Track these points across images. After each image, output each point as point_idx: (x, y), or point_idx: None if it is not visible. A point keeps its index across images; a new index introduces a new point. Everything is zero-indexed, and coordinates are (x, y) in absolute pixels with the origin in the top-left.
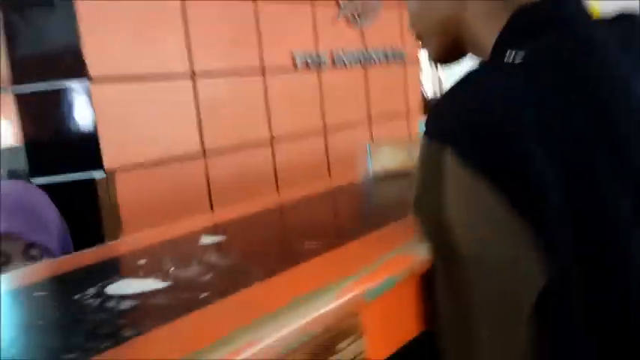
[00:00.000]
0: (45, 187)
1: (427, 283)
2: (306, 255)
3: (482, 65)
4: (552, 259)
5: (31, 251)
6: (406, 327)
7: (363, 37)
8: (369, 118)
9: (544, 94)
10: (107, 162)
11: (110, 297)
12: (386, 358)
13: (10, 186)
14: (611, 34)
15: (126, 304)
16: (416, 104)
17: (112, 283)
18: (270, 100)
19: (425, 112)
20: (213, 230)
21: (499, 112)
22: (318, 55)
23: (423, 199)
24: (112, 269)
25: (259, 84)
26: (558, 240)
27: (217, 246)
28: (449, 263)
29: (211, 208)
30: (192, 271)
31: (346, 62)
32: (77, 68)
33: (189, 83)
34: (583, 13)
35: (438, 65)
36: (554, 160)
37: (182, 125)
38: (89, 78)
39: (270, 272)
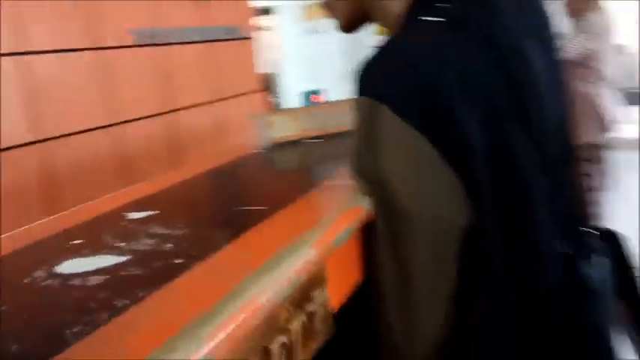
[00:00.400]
0: None
1: (368, 232)
2: (256, 218)
3: (406, 30)
4: (476, 206)
5: None
6: (354, 274)
7: (202, 13)
8: (213, 94)
9: (462, 52)
10: None
11: (69, 276)
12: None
13: None
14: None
15: (95, 280)
16: (257, 80)
17: (57, 264)
18: (110, 78)
19: (265, 89)
20: (134, 207)
21: (429, 70)
22: (156, 31)
23: (361, 156)
24: (44, 252)
25: (97, 62)
26: (481, 188)
27: (152, 219)
28: (388, 212)
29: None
30: (145, 243)
31: (185, 39)
32: None
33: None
34: None
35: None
36: (477, 118)
37: (12, 109)
38: None
39: (232, 236)
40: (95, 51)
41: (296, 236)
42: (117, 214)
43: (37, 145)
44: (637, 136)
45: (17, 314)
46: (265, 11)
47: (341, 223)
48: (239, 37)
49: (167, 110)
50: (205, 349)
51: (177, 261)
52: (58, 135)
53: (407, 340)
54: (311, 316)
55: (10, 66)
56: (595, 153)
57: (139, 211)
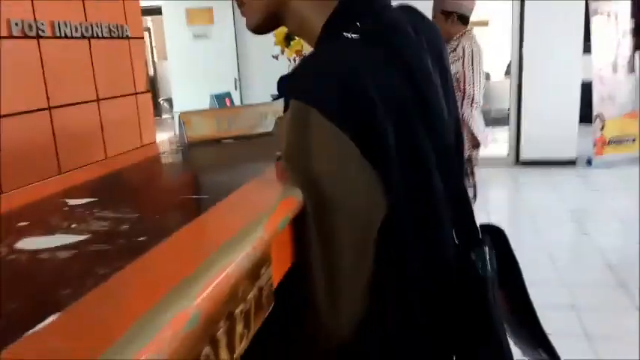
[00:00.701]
0: None
1: (299, 222)
2: (201, 205)
3: (327, 43)
4: (390, 196)
5: None
6: (288, 257)
7: (84, 8)
8: (96, 93)
9: (377, 64)
10: None
11: (35, 251)
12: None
13: None
14: (407, 20)
15: (64, 254)
16: (142, 81)
17: (14, 242)
18: None
19: (150, 90)
20: (66, 195)
21: (352, 79)
22: (36, 23)
23: (293, 154)
24: None
25: None
26: (393, 180)
27: (94, 205)
28: (316, 203)
29: None
30: (99, 225)
31: (68, 34)
32: None
33: None
34: (388, 4)
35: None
36: (391, 120)
37: None
38: None
39: (185, 219)
40: None
41: (249, 219)
42: (54, 201)
43: None
44: (504, 154)
45: None
46: (150, 12)
47: (281, 210)
48: (126, 36)
49: (48, 106)
50: (193, 305)
51: (140, 239)
52: None
53: (332, 317)
54: (260, 290)
55: None
56: (467, 167)
57: (76, 198)
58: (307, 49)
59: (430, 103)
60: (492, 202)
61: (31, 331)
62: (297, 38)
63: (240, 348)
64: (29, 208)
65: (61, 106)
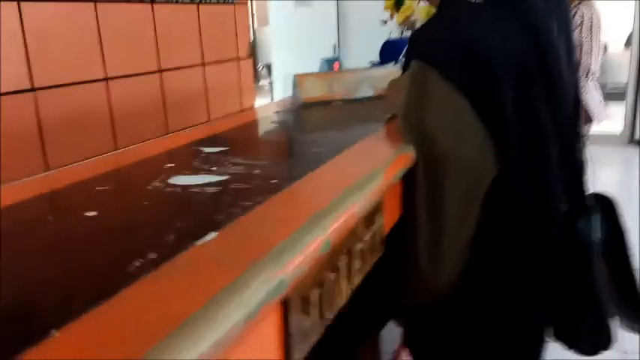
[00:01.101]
0: None
1: (407, 177)
2: (321, 158)
3: (450, 6)
4: (502, 157)
5: None
6: (395, 210)
7: None
8: (202, 58)
9: (502, 30)
10: None
11: (186, 186)
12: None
13: None
14: None
15: (211, 189)
16: (245, 47)
17: (168, 179)
18: (102, 33)
19: (252, 55)
20: (201, 145)
21: (473, 41)
22: None
23: (409, 111)
24: (147, 171)
25: (91, 14)
26: (507, 144)
27: (227, 152)
28: (429, 158)
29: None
30: (235, 168)
31: None
32: None
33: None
34: None
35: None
36: (511, 83)
37: (9, 57)
38: None
39: (311, 167)
40: (89, 3)
41: (367, 169)
42: (191, 149)
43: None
44: (617, 132)
45: (159, 209)
46: None
47: (396, 163)
48: (232, 1)
49: (156, 70)
50: (326, 235)
51: (272, 181)
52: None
53: (433, 268)
54: (374, 234)
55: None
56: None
57: (209, 147)
58: (417, 14)
59: (552, 70)
60: (601, 183)
61: (199, 241)
62: (407, 3)
63: (356, 281)
64: (170, 153)
65: (170, 70)
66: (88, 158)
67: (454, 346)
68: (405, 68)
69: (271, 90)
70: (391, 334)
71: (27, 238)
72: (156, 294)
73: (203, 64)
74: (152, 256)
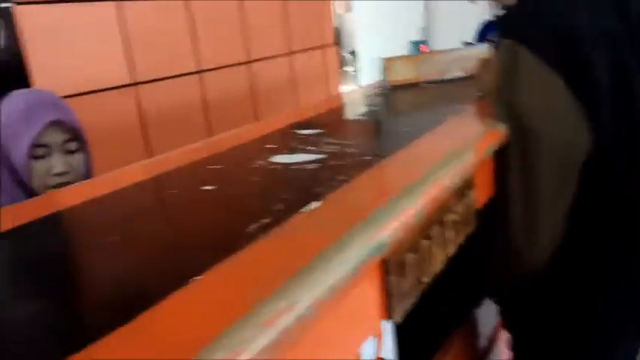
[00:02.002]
0: None
1: (500, 154)
2: (412, 135)
3: None
4: (597, 132)
5: (68, 145)
6: (488, 187)
7: None
8: (289, 47)
9: (593, 6)
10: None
11: (287, 164)
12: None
13: (33, 90)
14: None
15: (311, 166)
16: (330, 34)
17: (269, 158)
18: (195, 27)
19: (335, 43)
20: (296, 127)
21: (563, 16)
22: None
23: (501, 89)
24: (249, 152)
25: (184, 10)
26: (602, 118)
27: (321, 134)
28: (522, 135)
29: (144, 136)
30: (330, 148)
31: None
32: None
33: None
34: None
35: None
36: (604, 59)
37: (111, 54)
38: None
39: (403, 143)
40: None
41: (459, 144)
42: (287, 132)
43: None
44: None
45: (266, 183)
46: None
47: (488, 139)
48: None
49: (246, 60)
50: (419, 204)
51: (366, 157)
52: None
53: (528, 243)
54: (465, 207)
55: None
56: None
57: (304, 129)
58: None
59: None
60: None
61: (304, 209)
62: None
63: (450, 251)
64: (269, 136)
65: (258, 60)
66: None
67: (551, 324)
68: (496, 47)
69: (356, 75)
70: (488, 314)
71: (159, 208)
72: (274, 249)
73: (290, 53)
74: (265, 221)
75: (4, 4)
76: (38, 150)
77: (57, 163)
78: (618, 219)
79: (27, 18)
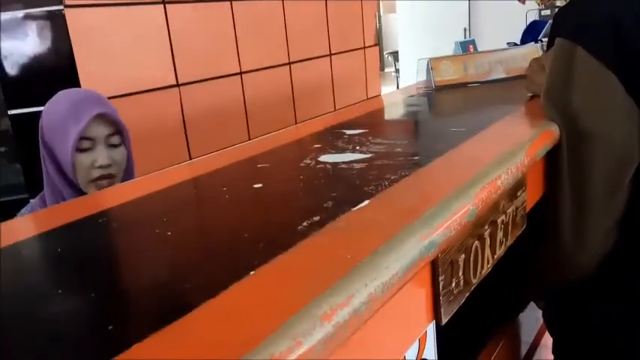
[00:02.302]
0: (22, 118)
1: (551, 155)
2: (461, 136)
3: None
4: None
5: (111, 139)
6: (539, 187)
7: None
8: (329, 49)
9: None
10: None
11: (335, 163)
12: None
13: (76, 89)
14: None
15: (358, 166)
16: (371, 35)
17: (317, 157)
18: (237, 29)
19: (376, 44)
20: (342, 127)
21: (622, 16)
22: None
23: (555, 88)
24: (296, 151)
25: (227, 12)
26: None
27: (367, 134)
28: (575, 136)
29: (186, 136)
30: (377, 147)
31: None
32: None
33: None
34: None
35: None
36: None
37: (156, 58)
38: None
39: (452, 145)
40: (226, 2)
41: (511, 145)
42: (333, 132)
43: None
44: None
45: (315, 181)
46: None
47: (540, 140)
48: None
49: (290, 61)
50: (471, 204)
51: (415, 157)
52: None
53: (577, 248)
54: (516, 209)
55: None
56: None
57: (350, 129)
58: None
59: None
60: None
61: (355, 207)
62: None
63: (499, 252)
64: (315, 136)
65: (299, 61)
66: (226, 147)
67: (596, 331)
68: (549, 47)
69: (397, 77)
70: (531, 320)
71: (212, 205)
72: (327, 246)
73: (330, 54)
74: (316, 218)
75: (55, 7)
76: (84, 143)
77: (101, 155)
78: None
79: (76, 20)
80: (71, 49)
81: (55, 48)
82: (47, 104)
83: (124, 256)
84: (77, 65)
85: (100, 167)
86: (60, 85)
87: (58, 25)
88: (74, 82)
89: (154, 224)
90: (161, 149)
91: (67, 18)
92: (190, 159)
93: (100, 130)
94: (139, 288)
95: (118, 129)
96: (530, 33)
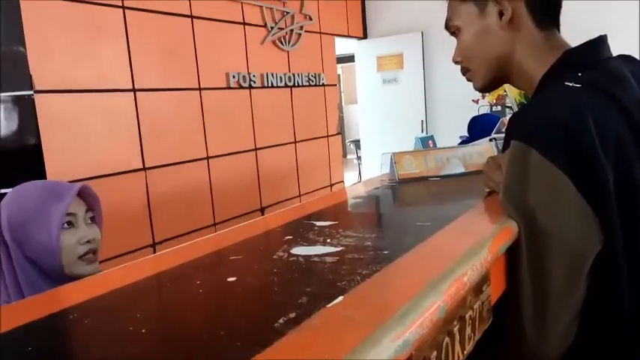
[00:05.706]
0: None
1: (512, 250)
2: (426, 231)
3: (548, 91)
4: (606, 232)
5: (88, 215)
6: (501, 282)
7: (288, 61)
8: (294, 136)
9: (597, 109)
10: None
11: (307, 256)
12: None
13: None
14: (627, 69)
15: (330, 259)
16: (334, 124)
17: (289, 249)
18: (205, 116)
19: (339, 132)
20: (312, 218)
21: (573, 118)
22: (249, 75)
23: (512, 188)
24: (269, 243)
25: (195, 100)
26: (609, 216)
27: (336, 226)
28: (531, 234)
29: (150, 219)
30: (347, 240)
31: (274, 83)
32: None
33: (130, 96)
34: (609, 54)
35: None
36: (608, 160)
37: (124, 142)
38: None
39: (418, 239)
40: (194, 91)
41: (474, 241)
42: (303, 223)
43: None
44: None
45: (288, 275)
46: (343, 60)
47: (500, 237)
48: (322, 83)
49: (256, 147)
50: (442, 299)
51: (384, 252)
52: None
53: (540, 341)
54: (482, 304)
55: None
56: None
57: (320, 221)
58: (510, 92)
59: None
60: None
61: (330, 304)
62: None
63: (468, 348)
64: (287, 226)
65: (265, 148)
66: (191, 231)
67: None
68: (505, 148)
69: (359, 164)
70: None
71: (187, 300)
72: (304, 346)
73: (295, 142)
74: (292, 314)
75: (25, 92)
76: (68, 218)
77: (84, 231)
78: (630, 321)
79: (46, 105)
80: (38, 132)
81: (21, 131)
82: (8, 201)
83: (96, 356)
84: (43, 147)
85: (87, 242)
86: (24, 168)
87: (26, 109)
88: (39, 163)
89: (126, 321)
90: (125, 232)
91: (36, 103)
92: (154, 242)
93: (80, 207)
94: None
95: (92, 205)
96: (476, 128)
